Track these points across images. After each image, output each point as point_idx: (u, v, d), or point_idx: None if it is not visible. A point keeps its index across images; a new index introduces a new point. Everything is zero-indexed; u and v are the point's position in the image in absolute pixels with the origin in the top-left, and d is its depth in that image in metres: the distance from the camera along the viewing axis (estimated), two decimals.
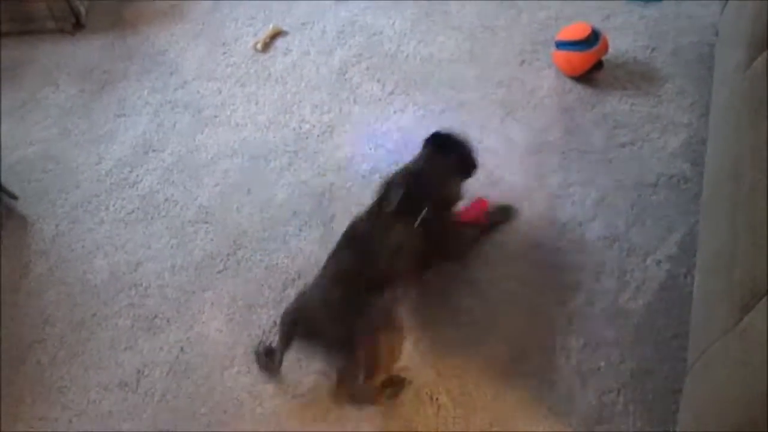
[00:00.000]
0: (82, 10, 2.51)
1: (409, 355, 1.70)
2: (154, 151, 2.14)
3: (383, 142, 2.14)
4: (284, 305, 1.79)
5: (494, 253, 1.88)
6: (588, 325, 1.74)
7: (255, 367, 1.69)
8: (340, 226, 1.93)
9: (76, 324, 1.79)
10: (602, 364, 1.68)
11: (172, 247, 1.93)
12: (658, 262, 1.85)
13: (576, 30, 2.23)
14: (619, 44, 2.36)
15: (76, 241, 1.95)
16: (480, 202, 1.95)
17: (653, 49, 2.38)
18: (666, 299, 1.78)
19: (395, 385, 1.65)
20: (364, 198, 1.99)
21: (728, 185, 1.52)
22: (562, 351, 1.70)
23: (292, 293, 1.81)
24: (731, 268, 1.34)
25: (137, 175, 2.08)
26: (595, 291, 1.80)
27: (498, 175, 2.05)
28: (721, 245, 1.45)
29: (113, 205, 2.02)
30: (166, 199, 2.03)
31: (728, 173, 1.54)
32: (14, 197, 2.02)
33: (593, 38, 2.20)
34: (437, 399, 1.63)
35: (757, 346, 1.15)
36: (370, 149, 2.13)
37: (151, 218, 1.99)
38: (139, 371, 1.70)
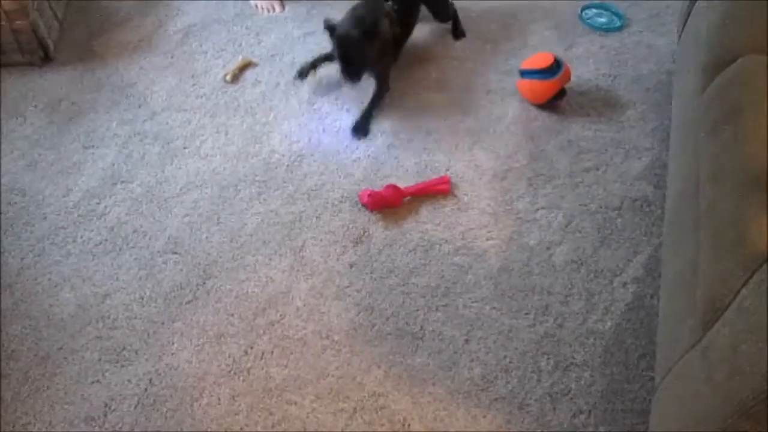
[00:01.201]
0: (50, 43, 2.51)
1: (381, 383, 1.70)
2: (122, 182, 2.13)
3: (352, 170, 2.16)
4: (254, 334, 1.78)
5: (464, 277, 1.90)
6: (558, 347, 1.76)
7: (225, 398, 1.67)
8: (311, 254, 1.95)
9: (41, 358, 1.75)
10: (573, 385, 1.69)
11: (140, 278, 1.91)
12: (625, 284, 1.88)
13: (539, 59, 2.29)
14: (581, 73, 2.42)
15: (42, 274, 1.92)
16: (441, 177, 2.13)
17: (614, 77, 2.45)
18: (633, 320, 1.81)
19: None
20: (335, 226, 2.01)
21: (689, 205, 1.56)
22: (533, 373, 1.71)
23: (262, 322, 1.81)
24: (693, 286, 1.37)
25: (105, 207, 2.07)
26: (564, 313, 1.82)
27: (466, 200, 2.08)
28: (684, 264, 1.48)
29: (81, 237, 2.00)
30: (135, 231, 2.01)
31: (688, 194, 1.58)
32: None
33: (556, 67, 2.26)
34: (409, 426, 1.63)
35: (719, 363, 1.17)
36: (340, 177, 2.14)
37: (120, 250, 1.97)
38: (106, 405, 1.67)
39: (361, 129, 2.29)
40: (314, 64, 2.43)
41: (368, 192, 2.05)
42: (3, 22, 2.35)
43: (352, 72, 2.24)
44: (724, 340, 1.18)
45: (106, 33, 2.65)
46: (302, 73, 2.42)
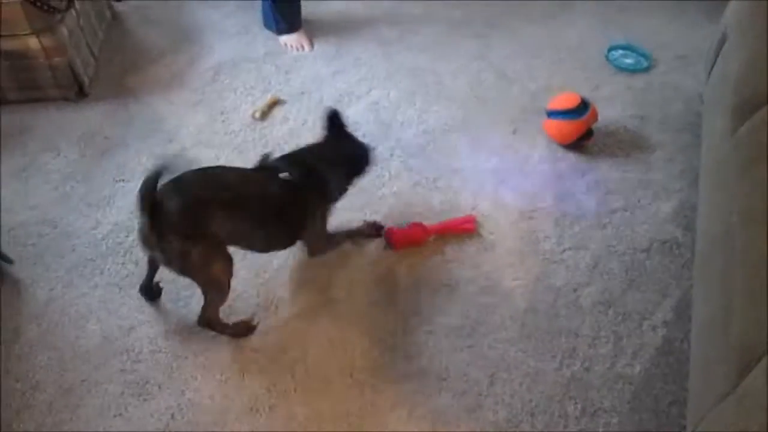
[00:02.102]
0: (86, 79, 2.57)
1: (405, 423, 1.67)
2: None
3: (378, 207, 2.17)
4: (278, 371, 1.77)
5: (489, 317, 1.87)
6: (585, 391, 1.72)
7: None
8: (336, 292, 1.94)
9: (65, 390, 1.75)
10: (601, 431, 1.65)
11: (166, 312, 1.91)
12: (654, 328, 1.85)
13: (566, 99, 2.30)
14: (608, 113, 2.42)
15: (69, 305, 1.93)
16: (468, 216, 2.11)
17: (642, 118, 2.44)
18: (663, 365, 1.77)
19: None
20: (360, 264, 2.01)
21: (720, 249, 1.53)
22: (559, 418, 1.68)
23: (286, 359, 1.80)
24: (727, 331, 1.34)
25: (133, 240, 2.09)
26: (591, 357, 1.79)
27: (491, 240, 2.07)
28: (716, 309, 1.45)
29: (108, 270, 2.02)
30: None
31: (719, 237, 1.56)
32: (10, 261, 2.02)
33: (583, 107, 2.26)
34: None
35: (756, 411, 1.14)
36: (365, 215, 2.15)
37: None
38: None
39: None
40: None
41: (393, 230, 2.04)
42: (41, 59, 2.42)
43: None
44: (760, 389, 1.15)
45: (139, 69, 2.72)
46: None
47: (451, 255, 2.03)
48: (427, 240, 2.05)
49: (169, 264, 1.68)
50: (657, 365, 1.77)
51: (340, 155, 1.89)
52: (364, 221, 2.08)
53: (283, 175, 1.77)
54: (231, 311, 1.90)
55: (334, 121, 1.92)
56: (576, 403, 1.70)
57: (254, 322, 1.87)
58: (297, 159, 1.84)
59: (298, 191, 1.77)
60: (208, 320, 1.79)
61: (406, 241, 2.03)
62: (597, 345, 1.81)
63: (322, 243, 1.96)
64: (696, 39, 2.77)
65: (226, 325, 1.83)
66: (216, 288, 1.74)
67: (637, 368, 1.76)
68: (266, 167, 1.83)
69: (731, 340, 1.30)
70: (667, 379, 1.74)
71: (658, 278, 1.96)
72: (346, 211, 2.15)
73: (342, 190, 1.92)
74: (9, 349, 1.83)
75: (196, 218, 1.61)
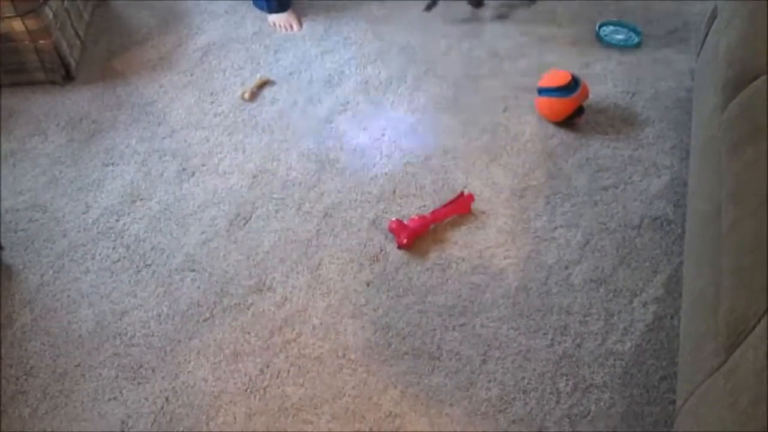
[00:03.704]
0: (72, 61, 2.54)
1: (398, 403, 1.68)
2: (141, 199, 2.15)
3: (370, 188, 2.16)
4: (271, 353, 1.78)
5: (481, 296, 1.88)
6: (577, 368, 1.74)
7: (241, 417, 1.66)
8: (328, 272, 1.94)
9: (59, 375, 1.76)
10: (592, 407, 1.67)
11: (158, 295, 1.91)
12: (645, 304, 1.86)
13: (557, 77, 2.29)
14: (599, 90, 2.42)
15: (61, 290, 1.93)
16: (467, 197, 2.09)
17: (633, 95, 2.44)
18: (654, 341, 1.78)
19: None
20: (351, 244, 2.01)
21: (710, 225, 1.54)
22: (551, 395, 1.69)
23: (278, 340, 1.80)
24: (715, 307, 1.35)
25: (124, 224, 2.08)
26: (582, 333, 1.80)
27: (483, 219, 2.07)
28: (705, 285, 1.46)
29: (99, 254, 2.01)
30: (153, 248, 2.02)
31: (709, 213, 1.56)
32: (0, 247, 2.01)
33: (573, 85, 2.25)
34: None
35: (744, 387, 1.15)
36: (357, 196, 2.14)
37: (138, 267, 1.98)
38: (123, 422, 1.67)
39: None
40: None
41: (402, 230, 1.99)
42: (26, 42, 2.39)
43: None
44: (748, 364, 1.16)
45: (126, 51, 2.69)
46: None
47: (442, 234, 2.03)
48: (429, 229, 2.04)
49: None
50: (648, 341, 1.78)
51: None
52: None
53: None
54: (223, 294, 1.91)
55: None
56: (567, 379, 1.72)
57: None
58: None
59: None
60: None
61: (415, 237, 2.00)
62: (588, 322, 1.83)
63: None
64: (687, 14, 2.75)
65: None
66: None
67: (628, 344, 1.78)
68: None
69: (719, 316, 1.31)
70: (658, 355, 1.75)
71: (648, 255, 1.97)
72: (338, 193, 2.15)
73: None
74: (2, 335, 1.83)
75: None
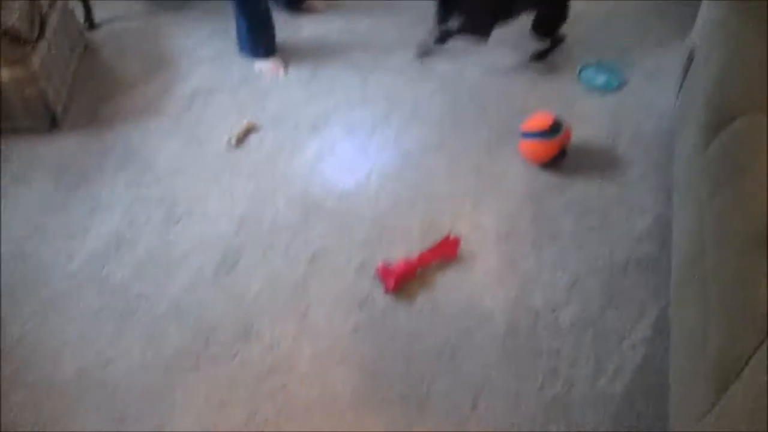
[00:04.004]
0: (59, 109, 2.55)
1: None
2: (126, 246, 2.13)
3: (357, 233, 2.16)
4: (258, 401, 1.75)
5: (470, 339, 1.87)
6: (568, 411, 1.72)
7: None
8: (315, 318, 1.93)
9: (41, 426, 1.71)
10: None
11: (142, 343, 1.88)
12: (634, 346, 1.85)
13: (539, 120, 2.32)
14: (581, 132, 2.45)
15: (43, 341, 1.90)
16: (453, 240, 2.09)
17: (615, 136, 2.47)
18: (644, 382, 1.77)
19: None
20: (339, 289, 2.00)
21: (694, 265, 1.55)
22: None
23: (265, 388, 1.77)
24: (704, 348, 1.35)
25: (108, 271, 2.06)
26: (572, 376, 1.79)
27: (470, 261, 2.07)
28: (693, 326, 1.46)
29: (83, 303, 1.98)
30: (138, 295, 2.00)
31: (693, 255, 1.57)
32: None
33: (556, 127, 2.29)
34: None
35: (736, 429, 1.14)
36: (344, 240, 2.14)
37: (122, 315, 1.95)
38: None
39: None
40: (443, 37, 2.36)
41: (388, 273, 1.99)
42: (13, 90, 2.39)
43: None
44: (738, 407, 1.16)
45: (112, 98, 2.70)
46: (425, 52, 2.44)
47: (429, 277, 2.03)
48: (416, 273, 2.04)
49: None
50: (638, 383, 1.77)
51: None
52: None
53: None
54: (209, 341, 1.88)
55: None
56: (559, 423, 1.70)
57: None
58: None
59: None
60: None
61: (403, 281, 2.00)
62: (578, 365, 1.81)
63: None
64: (665, 57, 2.82)
65: None
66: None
67: (618, 387, 1.76)
68: None
69: (708, 358, 1.31)
70: (649, 397, 1.74)
71: (636, 296, 1.97)
72: (324, 238, 2.14)
73: None
74: None
75: None
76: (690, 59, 2.22)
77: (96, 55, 2.94)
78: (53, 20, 2.61)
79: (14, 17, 2.31)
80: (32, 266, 2.09)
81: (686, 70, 2.25)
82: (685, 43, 2.40)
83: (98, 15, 3.13)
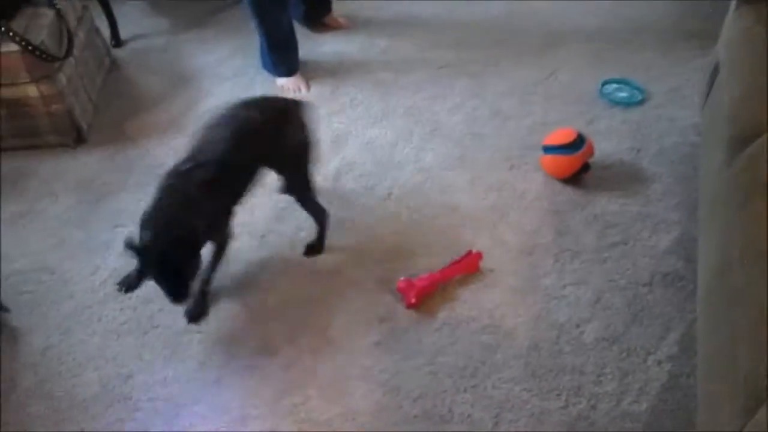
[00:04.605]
0: (84, 125, 2.59)
1: None
2: None
3: (377, 247, 2.16)
4: (278, 417, 1.74)
5: (492, 356, 1.85)
6: (592, 429, 1.69)
7: None
8: (335, 334, 1.92)
9: None
10: None
11: (164, 358, 1.89)
12: (659, 363, 1.82)
13: (561, 135, 2.31)
14: (604, 147, 2.43)
15: (66, 353, 1.91)
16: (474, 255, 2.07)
17: (638, 151, 2.45)
18: (670, 401, 1.74)
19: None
20: (359, 305, 1.99)
21: (722, 281, 1.52)
22: None
23: (286, 404, 1.77)
24: (733, 366, 1.32)
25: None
26: (597, 394, 1.76)
27: (492, 277, 2.05)
28: (721, 345, 1.43)
29: (106, 316, 2.00)
30: (160, 309, 2.01)
31: (720, 271, 1.54)
32: (6, 310, 2.00)
33: (579, 142, 2.27)
34: None
35: None
36: (364, 255, 2.14)
37: (144, 329, 1.96)
38: None
39: (197, 313, 1.95)
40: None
41: (410, 289, 1.98)
42: (40, 106, 2.44)
43: (178, 293, 1.78)
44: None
45: (137, 115, 2.74)
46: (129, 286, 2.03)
47: (451, 293, 2.01)
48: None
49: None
50: (664, 401, 1.74)
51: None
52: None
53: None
54: (230, 356, 1.88)
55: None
56: None
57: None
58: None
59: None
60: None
61: (425, 296, 1.99)
62: (602, 382, 1.78)
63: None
64: (689, 71, 2.79)
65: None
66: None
67: (644, 405, 1.73)
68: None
69: (737, 377, 1.28)
70: (675, 416, 1.71)
71: (661, 312, 1.94)
72: (342, 253, 2.14)
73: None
74: (5, 399, 1.81)
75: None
76: (714, 74, 2.20)
77: (121, 72, 2.99)
78: (80, 37, 2.66)
79: (43, 34, 2.36)
80: (56, 279, 2.11)
81: (710, 85, 2.22)
82: (709, 57, 2.38)
83: (123, 32, 3.19)
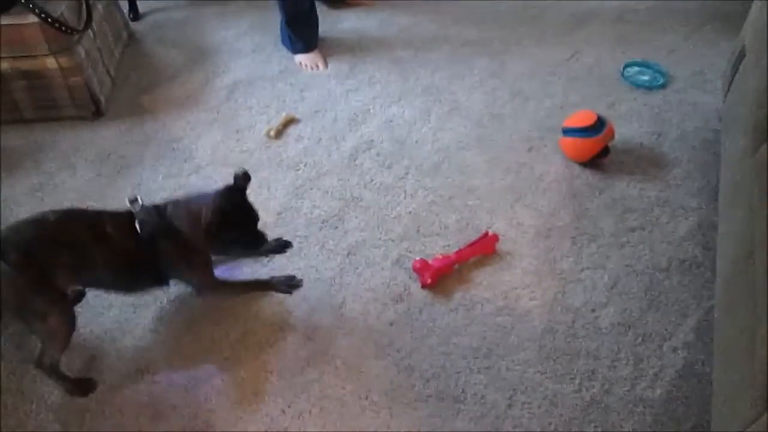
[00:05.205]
0: (102, 98, 2.59)
1: None
2: None
3: (393, 227, 2.15)
4: (293, 393, 1.75)
5: (506, 338, 1.85)
6: (605, 414, 1.69)
7: None
8: (351, 312, 1.92)
9: (79, 413, 1.74)
10: None
11: (179, 332, 1.90)
12: (675, 349, 1.81)
13: (582, 117, 2.28)
14: (624, 131, 2.40)
15: (83, 326, 1.92)
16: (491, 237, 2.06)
17: (659, 135, 2.42)
18: (685, 388, 1.73)
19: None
20: (375, 283, 1.99)
21: (742, 269, 1.50)
22: None
23: (301, 380, 1.78)
24: (751, 355, 1.31)
25: None
26: (611, 379, 1.76)
27: (508, 259, 2.05)
28: (740, 333, 1.42)
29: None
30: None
31: (741, 259, 1.53)
32: None
33: (599, 125, 2.24)
34: None
35: None
36: (380, 234, 2.13)
37: (161, 303, 1.98)
38: None
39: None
40: None
41: (425, 268, 1.98)
42: (58, 79, 2.44)
43: None
44: None
45: (155, 89, 2.74)
46: None
47: (467, 274, 2.01)
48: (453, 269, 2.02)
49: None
50: (678, 388, 1.73)
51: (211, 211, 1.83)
52: (274, 278, 2.01)
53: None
54: (246, 332, 1.89)
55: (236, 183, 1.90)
56: (596, 427, 1.67)
57: (94, 382, 1.79)
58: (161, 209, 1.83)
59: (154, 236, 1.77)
60: (44, 366, 1.73)
61: (439, 276, 1.98)
62: (617, 367, 1.78)
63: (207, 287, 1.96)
64: (713, 55, 2.75)
65: (64, 377, 1.76)
66: (51, 339, 1.71)
67: (658, 391, 1.73)
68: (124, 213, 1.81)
69: (756, 366, 1.27)
70: (689, 403, 1.70)
71: (677, 298, 1.93)
72: (361, 231, 2.14)
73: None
74: (25, 369, 1.82)
75: (33, 274, 1.62)
76: (739, 58, 2.16)
77: (139, 46, 2.98)
78: (99, 10, 2.65)
79: (62, 6, 2.35)
80: None
81: (735, 70, 2.19)
82: (734, 42, 2.33)
83: (142, 5, 3.18)
